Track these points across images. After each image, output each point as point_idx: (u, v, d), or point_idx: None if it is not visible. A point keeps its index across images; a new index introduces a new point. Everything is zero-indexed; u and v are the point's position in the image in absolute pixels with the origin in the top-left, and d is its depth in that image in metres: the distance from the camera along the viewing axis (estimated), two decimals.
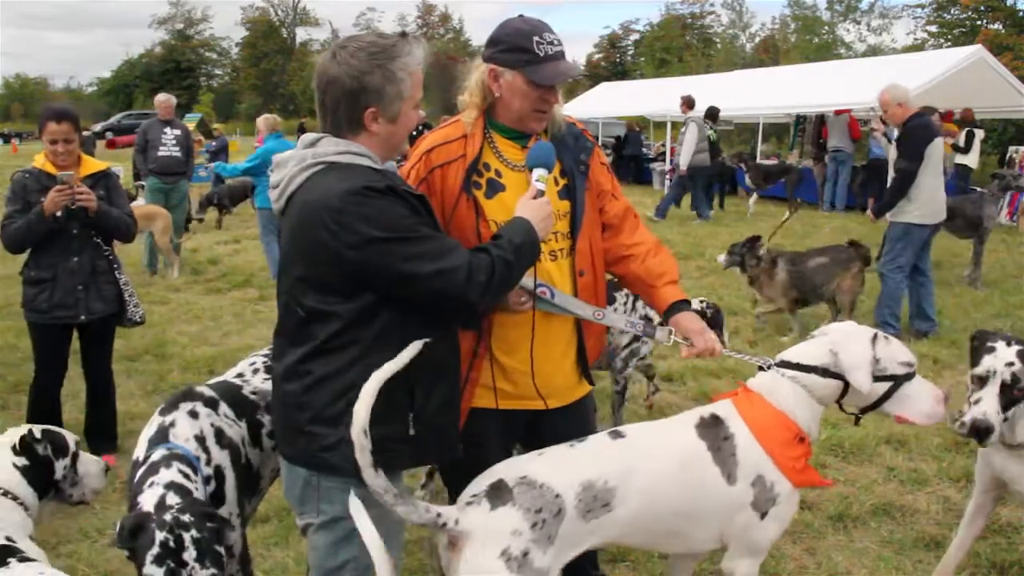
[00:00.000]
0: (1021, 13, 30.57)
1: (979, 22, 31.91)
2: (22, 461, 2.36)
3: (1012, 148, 16.59)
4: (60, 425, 4.17)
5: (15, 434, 2.41)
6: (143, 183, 9.62)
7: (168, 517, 2.08)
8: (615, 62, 56.14)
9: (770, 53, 45.62)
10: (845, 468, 4.17)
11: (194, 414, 2.43)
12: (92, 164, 4.15)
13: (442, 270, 1.90)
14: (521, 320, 2.35)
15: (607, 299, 4.44)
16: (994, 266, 9.37)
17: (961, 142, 13.57)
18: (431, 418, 2.01)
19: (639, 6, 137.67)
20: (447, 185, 2.32)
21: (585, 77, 35.64)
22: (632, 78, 42.90)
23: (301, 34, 64.94)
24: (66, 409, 4.40)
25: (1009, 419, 2.70)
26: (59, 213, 3.86)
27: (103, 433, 4.33)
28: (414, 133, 2.22)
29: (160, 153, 9.00)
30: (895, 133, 6.70)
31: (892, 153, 6.55)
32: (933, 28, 35.19)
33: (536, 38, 2.23)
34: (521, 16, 2.33)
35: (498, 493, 2.03)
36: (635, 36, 56.68)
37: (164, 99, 9.40)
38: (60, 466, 2.48)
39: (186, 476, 2.24)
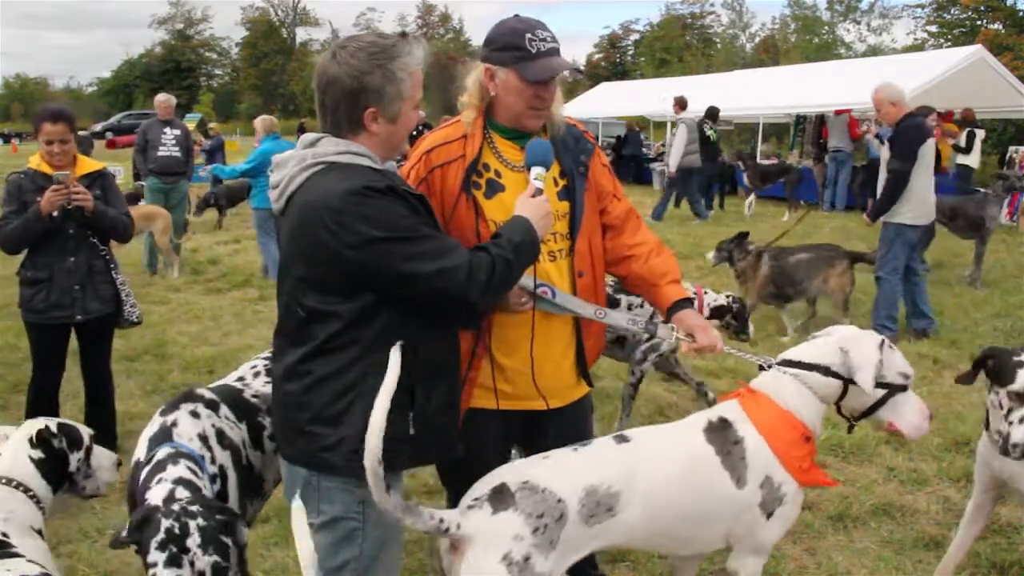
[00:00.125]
0: (1021, 13, 30.58)
1: (979, 22, 31.91)
2: (37, 454, 2.37)
3: (1012, 148, 16.59)
4: None
5: (32, 427, 2.43)
6: (144, 183, 9.62)
7: (176, 507, 2.09)
8: (615, 62, 56.14)
9: (770, 53, 45.61)
10: (845, 468, 4.17)
11: (196, 414, 2.44)
12: (88, 164, 4.16)
13: (442, 269, 1.90)
14: (521, 320, 2.35)
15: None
16: (994, 266, 9.36)
17: (962, 142, 13.57)
18: (431, 418, 2.01)
19: (639, 6, 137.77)
20: (447, 185, 2.32)
21: (585, 77, 35.65)
22: (632, 78, 42.90)
23: (301, 34, 65.03)
24: (66, 409, 4.40)
25: None
26: (55, 213, 3.86)
27: (102, 433, 4.29)
28: (414, 133, 2.23)
29: (160, 153, 9.00)
30: (888, 134, 6.68)
31: (885, 154, 6.52)
32: (933, 28, 35.20)
33: (528, 35, 2.23)
34: (516, 16, 2.33)
35: (500, 497, 2.02)
36: (635, 36, 56.70)
37: (164, 99, 9.40)
38: (74, 459, 2.50)
39: (194, 473, 2.24)
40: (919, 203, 6.33)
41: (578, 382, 2.53)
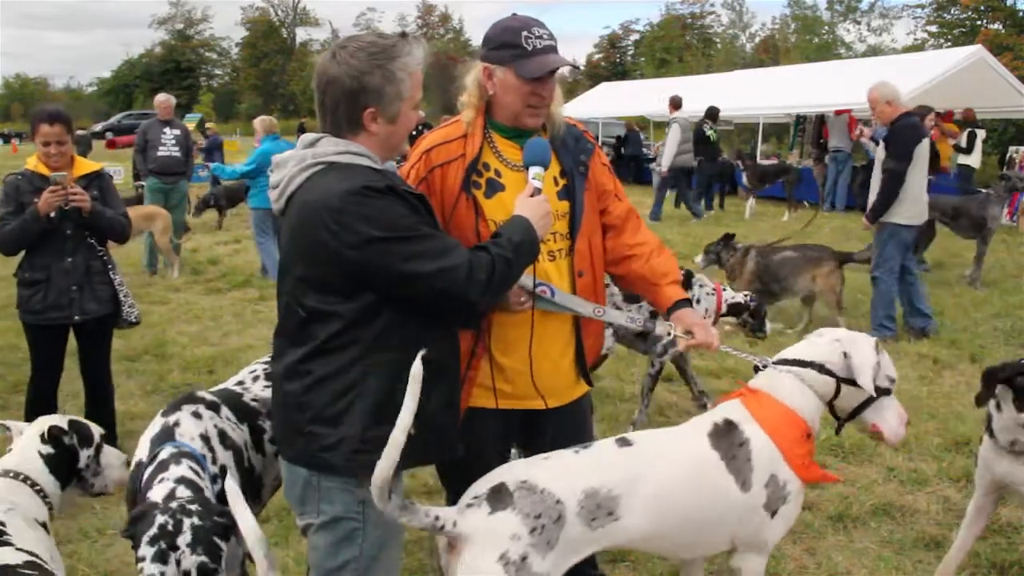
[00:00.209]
0: (1021, 13, 30.58)
1: (979, 22, 31.91)
2: (47, 450, 2.42)
3: (1012, 148, 16.59)
4: None
5: (44, 423, 2.48)
6: (143, 183, 9.62)
7: (174, 504, 2.09)
8: (615, 62, 56.15)
9: (770, 53, 45.63)
10: (845, 468, 4.17)
11: (198, 415, 2.44)
12: (85, 165, 4.16)
13: (443, 269, 1.90)
14: (520, 320, 2.35)
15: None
16: (994, 266, 9.36)
17: (963, 142, 13.57)
18: (431, 418, 2.01)
19: (639, 6, 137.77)
20: (447, 185, 2.32)
21: (585, 77, 35.64)
22: (632, 78, 42.91)
23: (301, 34, 65.06)
24: (65, 409, 4.40)
25: None
26: (53, 214, 3.86)
27: None
28: (414, 133, 2.23)
29: (160, 153, 9.00)
30: (883, 134, 6.66)
31: (880, 153, 6.50)
32: (933, 28, 35.21)
33: (524, 33, 2.23)
34: (514, 14, 2.34)
35: (498, 497, 2.02)
36: (635, 36, 56.71)
37: (164, 99, 9.40)
38: (84, 455, 2.53)
39: (196, 473, 2.24)
40: (914, 203, 6.32)
41: (577, 382, 2.52)
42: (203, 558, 2.06)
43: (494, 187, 2.34)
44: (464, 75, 2.38)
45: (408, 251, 1.88)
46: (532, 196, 2.17)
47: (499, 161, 2.37)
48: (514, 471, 2.12)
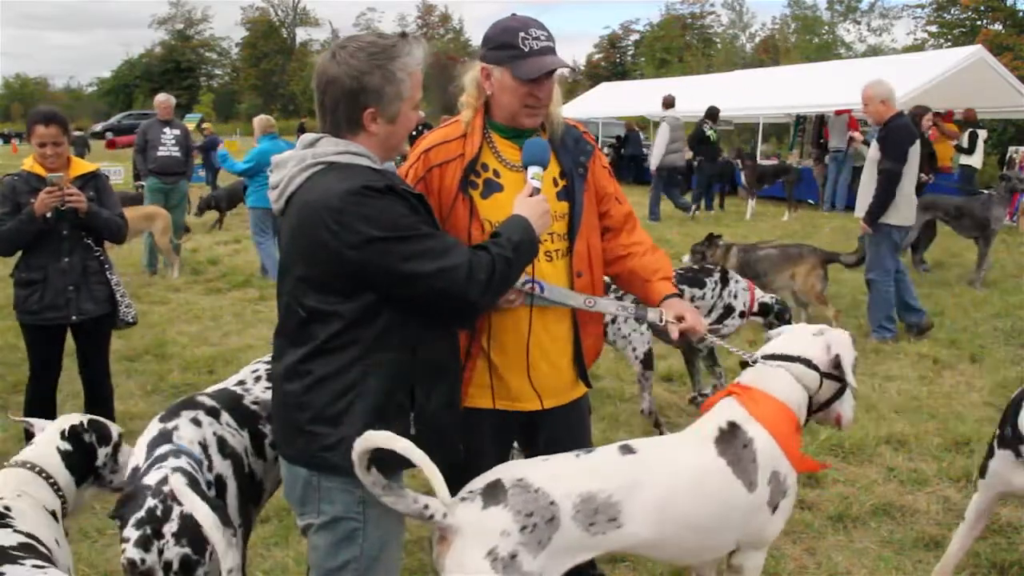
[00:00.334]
0: (1021, 13, 30.60)
1: (979, 22, 31.93)
2: (66, 446, 2.50)
3: (1012, 148, 16.59)
4: None
5: (65, 421, 2.58)
6: (143, 183, 9.62)
7: (166, 489, 2.08)
8: (615, 62, 56.18)
9: (770, 53, 45.65)
10: (845, 468, 4.17)
11: (197, 422, 2.42)
12: (81, 166, 4.17)
13: (443, 268, 1.90)
14: (518, 320, 2.35)
15: (700, 284, 4.73)
16: (994, 266, 9.35)
17: (964, 143, 13.57)
18: (432, 418, 2.01)
19: (639, 6, 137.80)
20: (444, 184, 2.33)
21: (585, 77, 35.62)
22: (632, 78, 42.90)
23: (301, 34, 65.10)
24: (65, 409, 4.40)
25: None
26: (49, 214, 3.87)
27: None
28: (414, 133, 2.23)
29: (160, 153, 9.00)
30: (875, 134, 6.65)
31: (872, 154, 6.48)
32: (933, 28, 35.23)
33: (522, 34, 2.23)
34: (513, 14, 2.33)
35: (493, 492, 2.03)
36: (635, 36, 56.76)
37: (163, 99, 9.41)
38: (102, 453, 2.59)
39: (193, 468, 2.23)
40: (907, 204, 6.33)
41: (576, 383, 2.52)
42: (187, 550, 2.05)
43: (492, 187, 2.34)
44: (463, 75, 2.39)
45: (408, 251, 1.89)
46: (531, 196, 2.18)
47: (498, 161, 2.37)
48: (512, 469, 2.12)
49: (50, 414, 4.19)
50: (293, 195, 1.98)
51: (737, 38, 53.93)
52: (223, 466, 2.39)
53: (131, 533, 2.03)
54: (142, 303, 7.70)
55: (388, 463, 1.97)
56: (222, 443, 2.43)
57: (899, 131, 6.24)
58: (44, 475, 2.40)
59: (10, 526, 2.15)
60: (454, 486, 2.19)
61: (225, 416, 2.51)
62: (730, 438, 2.28)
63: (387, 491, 1.91)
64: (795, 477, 2.33)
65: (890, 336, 6.39)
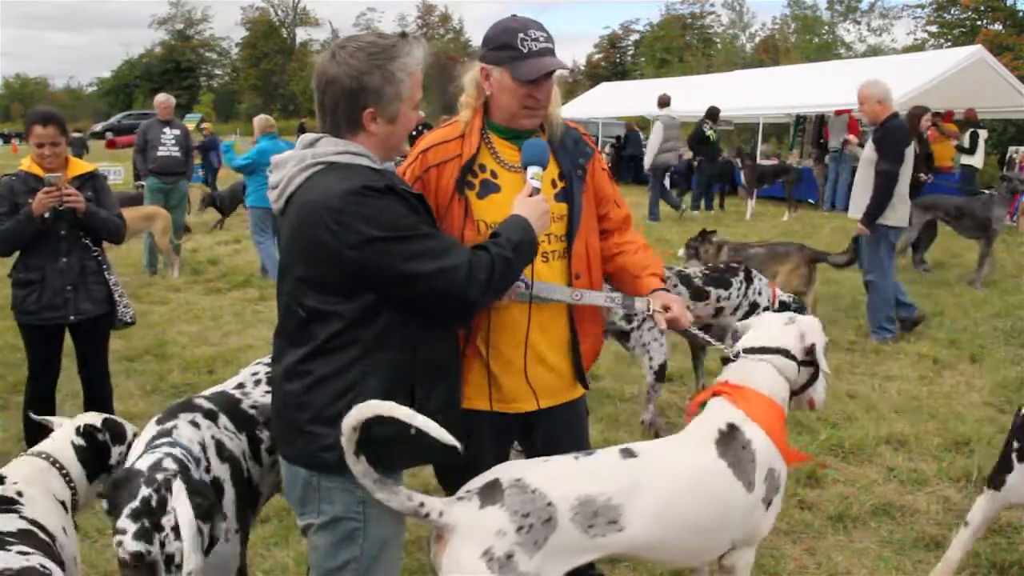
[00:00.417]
0: (1021, 13, 30.59)
1: (979, 22, 31.93)
2: (80, 442, 2.59)
3: (1012, 148, 16.59)
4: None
5: (82, 419, 2.68)
6: (143, 183, 9.62)
7: (160, 476, 2.08)
8: (615, 62, 56.16)
9: (770, 53, 45.64)
10: (845, 468, 4.17)
11: (195, 424, 2.42)
12: (79, 166, 4.17)
13: (443, 268, 1.90)
14: (515, 322, 2.35)
15: (726, 284, 4.74)
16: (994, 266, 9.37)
17: (966, 143, 13.57)
18: (432, 417, 2.00)
19: (639, 6, 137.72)
20: (441, 185, 2.32)
21: (585, 77, 35.63)
22: (632, 78, 42.89)
23: (301, 34, 65.08)
24: (65, 409, 4.41)
25: None
26: (47, 215, 3.87)
27: None
28: (413, 133, 2.23)
29: (160, 153, 9.00)
30: (870, 136, 6.65)
31: (867, 154, 6.46)
32: (933, 28, 35.23)
33: (521, 35, 2.23)
34: (513, 15, 2.33)
35: (490, 492, 2.03)
36: (635, 36, 56.73)
37: (163, 99, 9.41)
38: (116, 452, 2.65)
39: (186, 459, 2.23)
40: (903, 205, 6.34)
41: (573, 384, 2.52)
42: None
43: (488, 188, 2.34)
44: (463, 75, 2.39)
45: (408, 251, 1.89)
46: (530, 196, 2.18)
47: (496, 162, 2.36)
48: (510, 469, 2.12)
49: (49, 414, 4.19)
50: (293, 195, 1.98)
51: (737, 38, 53.94)
52: (221, 470, 2.38)
53: (127, 524, 2.02)
54: (142, 303, 7.70)
55: (387, 461, 1.97)
56: (220, 446, 2.42)
57: (895, 132, 6.24)
58: (58, 465, 2.49)
59: (16, 512, 2.22)
60: (453, 487, 2.20)
61: (223, 419, 2.50)
62: (730, 440, 2.28)
63: (379, 485, 1.91)
64: (786, 471, 2.37)
65: (890, 337, 6.39)
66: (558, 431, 2.47)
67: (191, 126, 14.72)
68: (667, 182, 14.39)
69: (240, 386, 2.73)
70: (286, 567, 3.27)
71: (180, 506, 2.02)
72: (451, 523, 1.99)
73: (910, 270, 9.24)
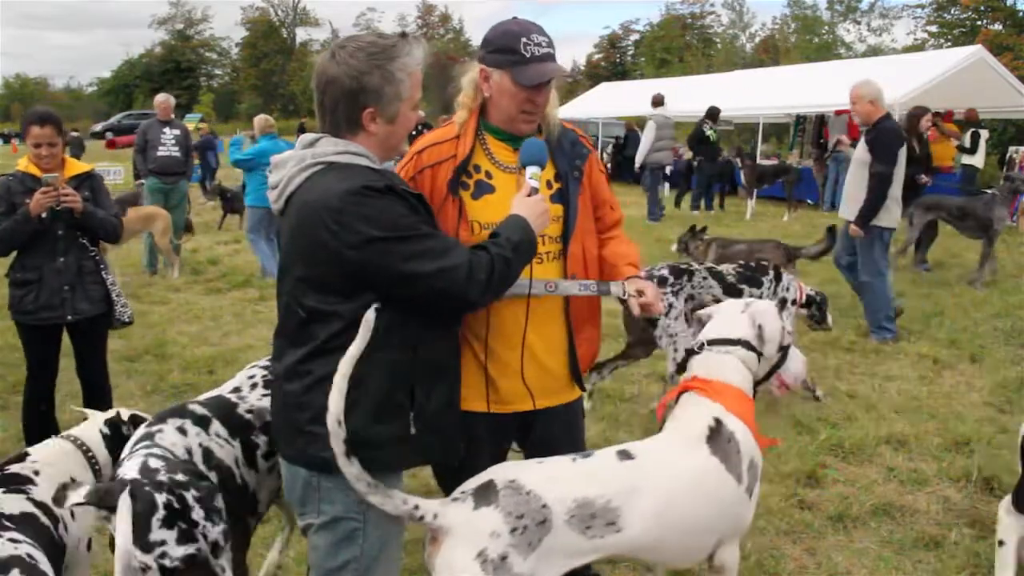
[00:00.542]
0: (1021, 13, 30.62)
1: (979, 22, 31.95)
2: (106, 431, 2.77)
3: (1012, 148, 16.59)
4: (54, 425, 4.19)
5: (109, 413, 2.87)
6: (143, 181, 9.62)
7: (163, 479, 2.08)
8: (615, 62, 56.20)
9: (770, 53, 45.67)
10: (845, 468, 4.17)
11: (182, 431, 2.40)
12: (76, 166, 4.18)
13: (443, 268, 1.91)
14: (512, 323, 2.35)
15: (757, 283, 4.88)
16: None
17: (967, 143, 13.56)
18: (432, 418, 2.01)
19: (639, 6, 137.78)
20: (436, 185, 2.32)
21: (585, 77, 35.63)
22: (632, 78, 42.90)
23: (301, 34, 65.10)
24: (64, 409, 4.40)
25: None
26: (44, 214, 3.88)
27: None
28: (413, 133, 2.22)
29: (159, 153, 9.00)
30: (863, 138, 6.63)
31: (859, 155, 6.44)
32: (933, 28, 35.26)
33: (524, 39, 2.23)
34: (515, 18, 2.33)
35: (484, 493, 2.02)
36: (635, 36, 56.78)
37: (163, 99, 9.41)
38: None
39: (161, 461, 2.22)
40: (895, 206, 6.33)
41: (570, 386, 2.52)
42: (222, 526, 2.10)
43: (483, 188, 2.34)
44: (462, 75, 2.38)
45: (408, 251, 1.89)
46: (529, 196, 2.17)
47: (491, 163, 2.36)
48: (505, 470, 2.11)
49: (48, 414, 4.20)
50: (293, 195, 1.99)
51: (737, 38, 53.98)
52: (208, 477, 2.37)
53: (165, 535, 2.03)
54: (142, 303, 7.70)
55: (386, 462, 1.97)
56: (208, 454, 2.41)
57: (888, 133, 6.24)
58: (84, 448, 2.65)
59: (26, 493, 2.30)
60: (449, 488, 2.19)
61: (215, 426, 2.48)
62: (717, 436, 2.30)
63: (372, 489, 1.90)
64: (761, 458, 2.40)
65: (890, 336, 6.39)
66: (555, 430, 2.48)
67: (191, 126, 14.72)
68: (666, 184, 14.38)
69: (236, 390, 2.71)
70: (286, 567, 3.26)
71: (120, 532, 2.01)
72: (445, 525, 1.98)
73: (911, 270, 9.25)
